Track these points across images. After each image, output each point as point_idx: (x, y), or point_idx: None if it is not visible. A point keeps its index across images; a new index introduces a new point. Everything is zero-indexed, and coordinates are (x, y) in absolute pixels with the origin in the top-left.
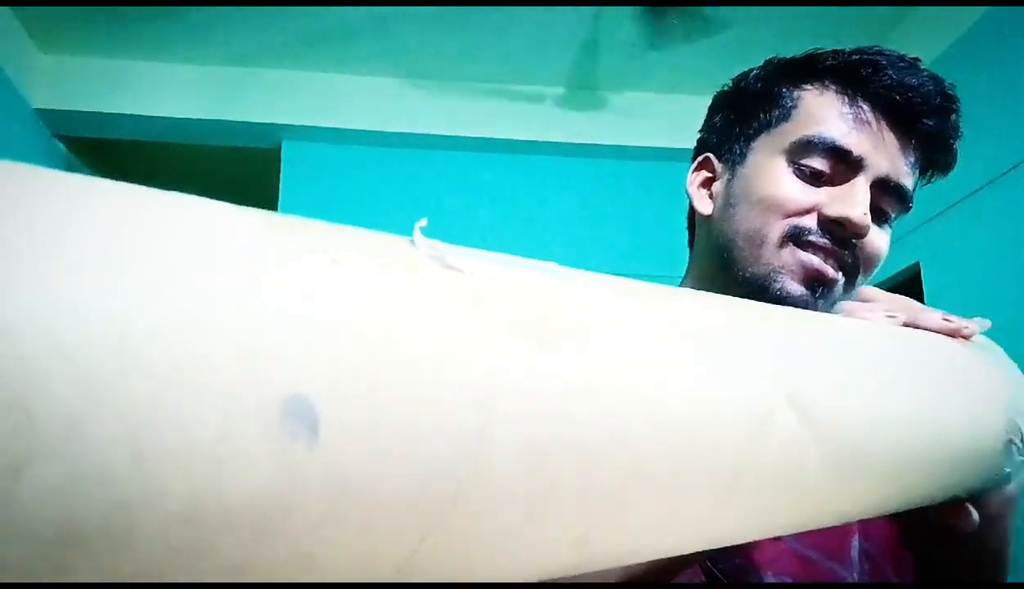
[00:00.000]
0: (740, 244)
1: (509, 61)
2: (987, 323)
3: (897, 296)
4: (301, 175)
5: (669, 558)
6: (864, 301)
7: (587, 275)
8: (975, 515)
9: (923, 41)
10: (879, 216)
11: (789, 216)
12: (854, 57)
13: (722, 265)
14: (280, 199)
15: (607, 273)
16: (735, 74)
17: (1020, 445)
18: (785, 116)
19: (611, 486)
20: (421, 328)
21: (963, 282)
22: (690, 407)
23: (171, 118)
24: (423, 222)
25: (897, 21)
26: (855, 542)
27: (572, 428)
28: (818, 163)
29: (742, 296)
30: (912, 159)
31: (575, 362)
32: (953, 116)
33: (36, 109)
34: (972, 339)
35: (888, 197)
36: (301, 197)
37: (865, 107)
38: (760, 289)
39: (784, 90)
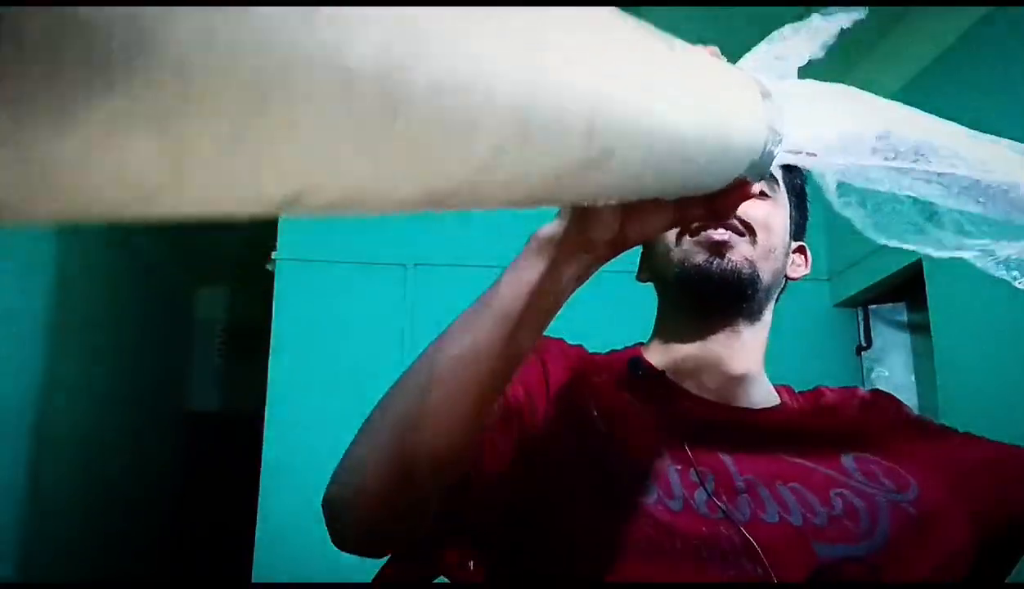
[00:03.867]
0: (660, 262)
1: None
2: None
3: None
4: None
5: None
6: None
7: None
8: (755, 185)
9: (923, 41)
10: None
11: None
12: None
13: (664, 290)
14: None
15: (609, 272)
16: None
17: (776, 130)
18: None
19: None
20: None
21: (964, 278)
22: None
23: None
24: None
25: (896, 21)
26: (849, 461)
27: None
28: None
29: (680, 288)
30: None
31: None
32: None
33: None
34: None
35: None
36: None
37: None
38: (688, 274)
39: None
